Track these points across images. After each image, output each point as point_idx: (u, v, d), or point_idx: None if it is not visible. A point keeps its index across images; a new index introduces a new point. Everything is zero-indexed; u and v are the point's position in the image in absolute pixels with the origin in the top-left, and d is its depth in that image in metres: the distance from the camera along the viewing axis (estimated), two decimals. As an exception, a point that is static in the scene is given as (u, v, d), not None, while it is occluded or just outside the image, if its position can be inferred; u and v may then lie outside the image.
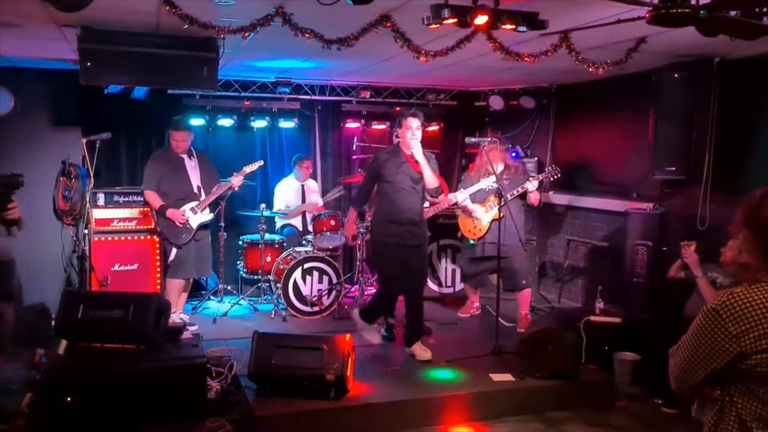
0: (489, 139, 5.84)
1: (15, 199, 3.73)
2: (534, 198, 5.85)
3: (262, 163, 6.19)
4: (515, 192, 5.76)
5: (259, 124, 7.36)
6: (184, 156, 5.80)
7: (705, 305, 1.83)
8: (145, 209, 6.18)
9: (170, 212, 5.66)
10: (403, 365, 5.00)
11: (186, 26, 4.08)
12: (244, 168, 5.96)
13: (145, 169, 5.82)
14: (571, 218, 7.08)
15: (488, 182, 5.80)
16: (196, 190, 5.82)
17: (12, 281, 3.95)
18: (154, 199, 5.74)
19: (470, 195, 5.95)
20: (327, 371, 4.04)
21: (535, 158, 7.36)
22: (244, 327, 5.86)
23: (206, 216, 5.83)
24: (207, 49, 4.71)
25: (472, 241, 6.09)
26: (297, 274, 6.26)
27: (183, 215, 5.67)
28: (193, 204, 5.75)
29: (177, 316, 5.52)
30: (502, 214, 5.37)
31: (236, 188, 5.95)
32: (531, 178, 5.84)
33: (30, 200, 4.03)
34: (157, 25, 4.45)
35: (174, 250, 5.85)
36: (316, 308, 6.33)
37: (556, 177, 6.01)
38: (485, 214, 5.90)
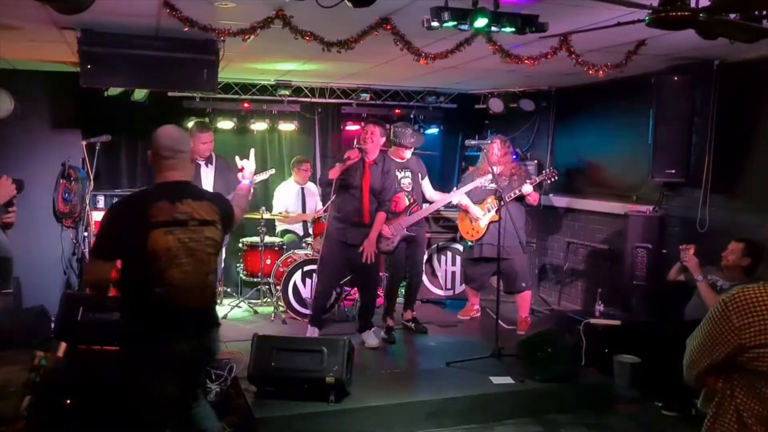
0: (488, 141, 5.86)
1: (15, 203, 3.74)
2: (532, 199, 5.84)
3: (273, 171, 5.97)
4: (512, 194, 5.75)
5: (259, 126, 7.36)
6: (201, 163, 5.56)
7: (720, 297, 1.89)
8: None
9: None
10: (402, 367, 5.01)
11: (186, 29, 4.09)
12: (254, 176, 5.70)
13: None
14: (571, 220, 7.07)
15: (483, 180, 5.80)
16: None
17: (7, 276, 3.92)
18: None
19: (468, 195, 5.94)
20: (327, 374, 4.04)
21: (535, 161, 7.36)
22: (244, 330, 5.85)
23: None
24: (207, 51, 4.71)
25: (470, 243, 6.08)
26: (297, 276, 6.25)
27: None
28: None
29: None
30: (500, 216, 5.37)
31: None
32: (527, 181, 5.83)
33: (30, 202, 4.03)
34: (158, 27, 4.46)
35: None
36: (315, 311, 6.31)
37: (553, 180, 6.00)
38: (483, 216, 5.89)
